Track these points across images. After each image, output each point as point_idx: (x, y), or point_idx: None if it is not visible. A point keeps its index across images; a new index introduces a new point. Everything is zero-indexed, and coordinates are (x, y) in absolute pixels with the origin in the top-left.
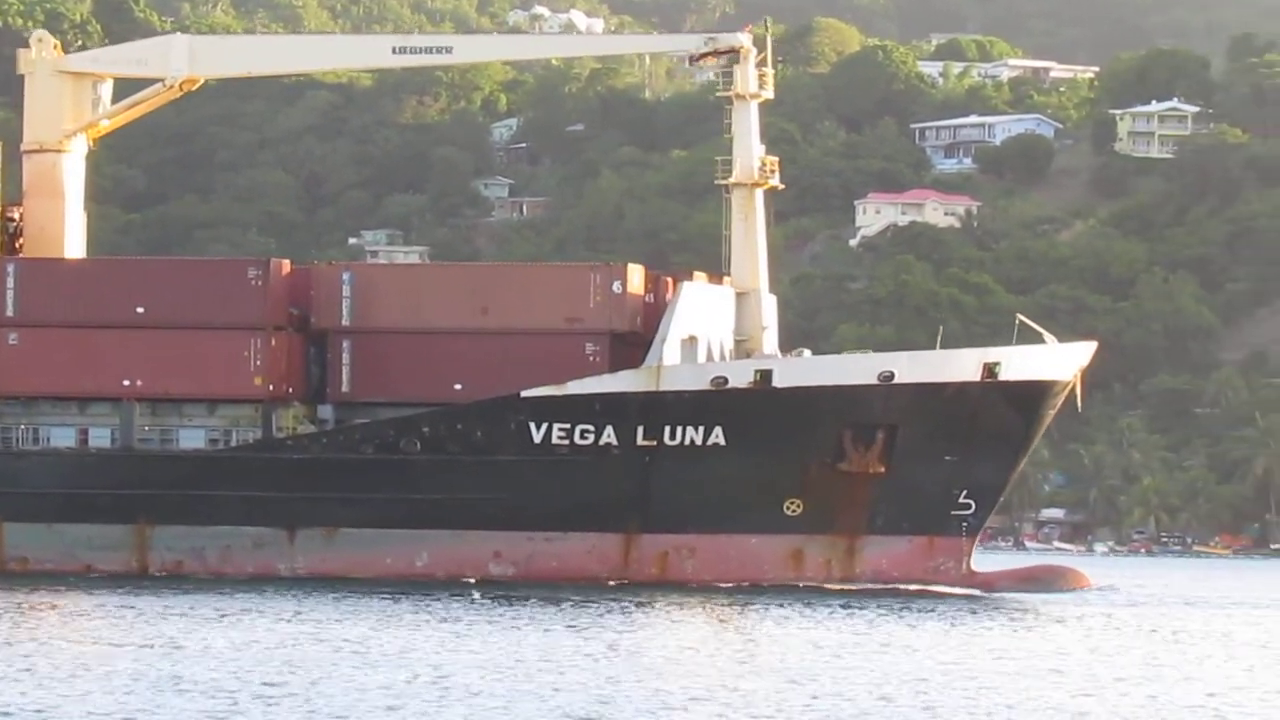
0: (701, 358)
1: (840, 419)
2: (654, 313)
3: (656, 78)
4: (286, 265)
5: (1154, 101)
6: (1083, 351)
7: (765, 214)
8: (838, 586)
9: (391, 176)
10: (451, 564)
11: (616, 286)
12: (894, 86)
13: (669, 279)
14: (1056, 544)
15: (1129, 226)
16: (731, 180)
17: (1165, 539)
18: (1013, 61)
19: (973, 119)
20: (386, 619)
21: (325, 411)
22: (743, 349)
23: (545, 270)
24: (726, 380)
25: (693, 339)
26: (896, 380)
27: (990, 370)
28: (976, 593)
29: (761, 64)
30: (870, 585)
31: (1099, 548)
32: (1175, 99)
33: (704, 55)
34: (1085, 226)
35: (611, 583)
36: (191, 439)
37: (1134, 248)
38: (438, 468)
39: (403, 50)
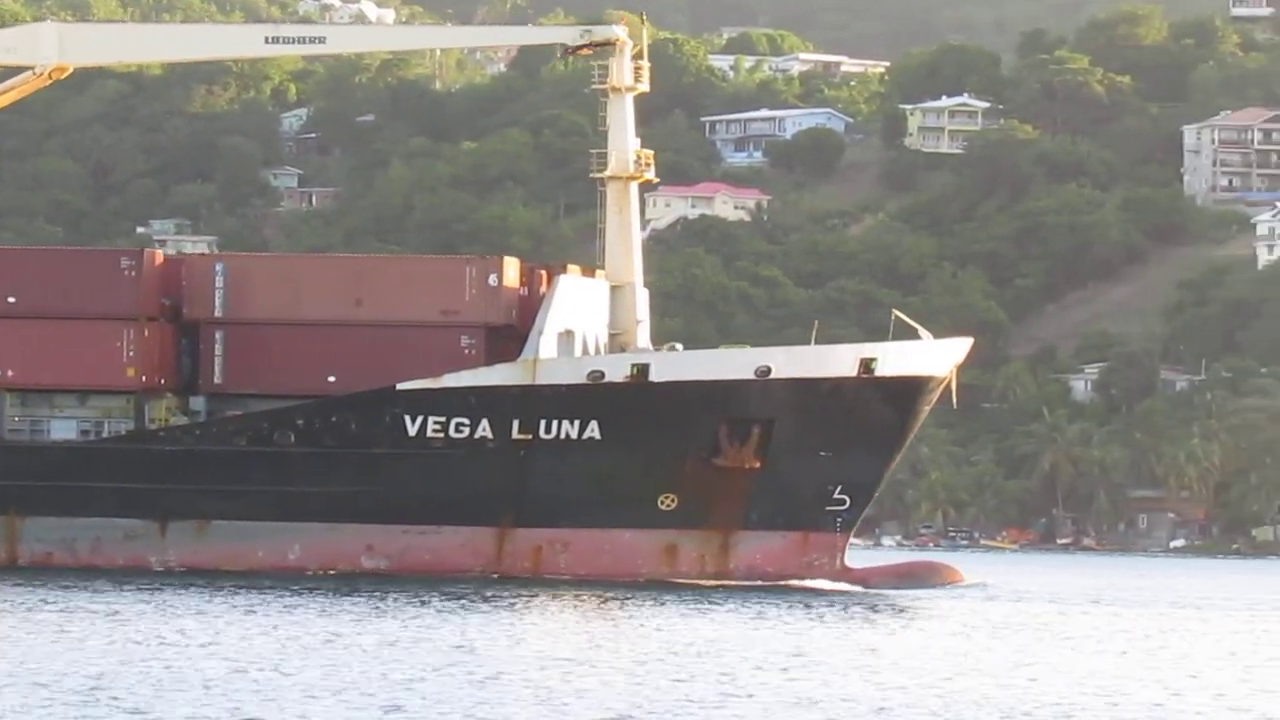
0: (578, 351)
1: (716, 414)
2: (529, 306)
3: (447, 69)
4: (159, 256)
5: (944, 97)
6: (959, 347)
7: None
8: (711, 582)
9: (180, 166)
10: (324, 557)
11: (492, 279)
12: (684, 80)
13: (543, 272)
14: None
15: (918, 221)
16: (607, 173)
17: (953, 533)
18: (803, 56)
19: (763, 113)
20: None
21: (197, 403)
22: (617, 343)
23: (421, 263)
24: (603, 374)
25: (569, 333)
26: (774, 375)
27: (867, 366)
28: (853, 588)
29: (637, 57)
30: (744, 581)
31: (886, 541)
32: (965, 94)
33: (579, 48)
34: (875, 221)
35: (494, 576)
36: (63, 430)
37: (923, 242)
38: (311, 460)
39: (275, 40)
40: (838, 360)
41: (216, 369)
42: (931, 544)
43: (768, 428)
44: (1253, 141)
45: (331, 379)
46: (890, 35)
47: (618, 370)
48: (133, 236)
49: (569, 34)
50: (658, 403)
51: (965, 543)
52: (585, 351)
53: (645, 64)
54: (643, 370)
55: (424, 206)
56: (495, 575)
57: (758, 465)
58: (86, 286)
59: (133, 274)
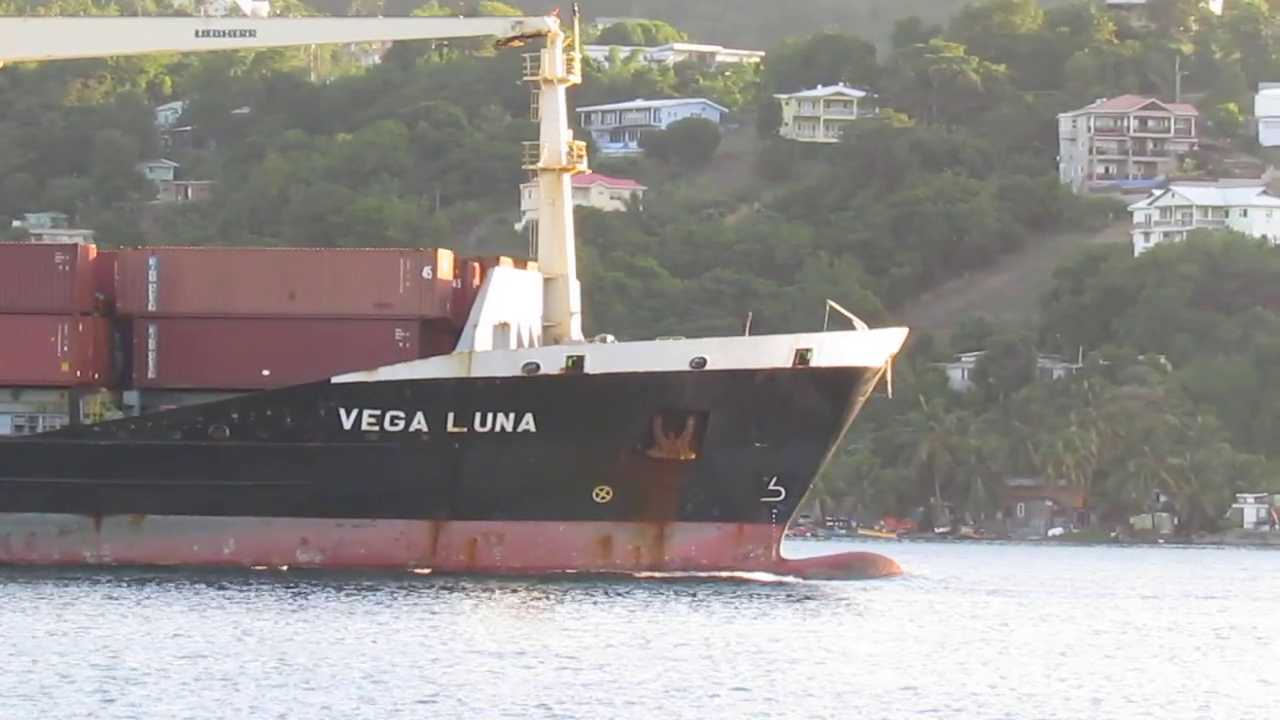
0: (513, 344)
1: (651, 405)
2: (463, 299)
3: (322, 61)
4: (93, 250)
5: (819, 86)
6: (894, 338)
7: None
8: (645, 574)
9: (56, 159)
10: (259, 551)
11: (427, 272)
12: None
13: (476, 264)
14: None
15: (794, 211)
16: (539, 165)
17: (830, 522)
18: (678, 46)
19: (638, 103)
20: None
21: (131, 398)
22: (551, 334)
23: (354, 255)
24: (538, 366)
25: (504, 325)
26: (709, 366)
27: (802, 357)
28: (787, 579)
29: (569, 48)
30: (679, 573)
31: None
32: (840, 84)
33: (510, 39)
34: (750, 211)
35: (422, 571)
36: None
37: (799, 232)
38: (246, 454)
39: (206, 33)
40: (773, 351)
41: (150, 363)
42: (809, 533)
43: (702, 419)
44: (1128, 129)
45: (266, 372)
46: (764, 25)
47: (553, 362)
48: (9, 230)
49: (500, 25)
50: (593, 395)
51: (843, 532)
52: (520, 344)
53: (577, 55)
54: (578, 362)
55: (300, 198)
56: (429, 569)
57: (693, 456)
58: (20, 281)
59: (66, 269)
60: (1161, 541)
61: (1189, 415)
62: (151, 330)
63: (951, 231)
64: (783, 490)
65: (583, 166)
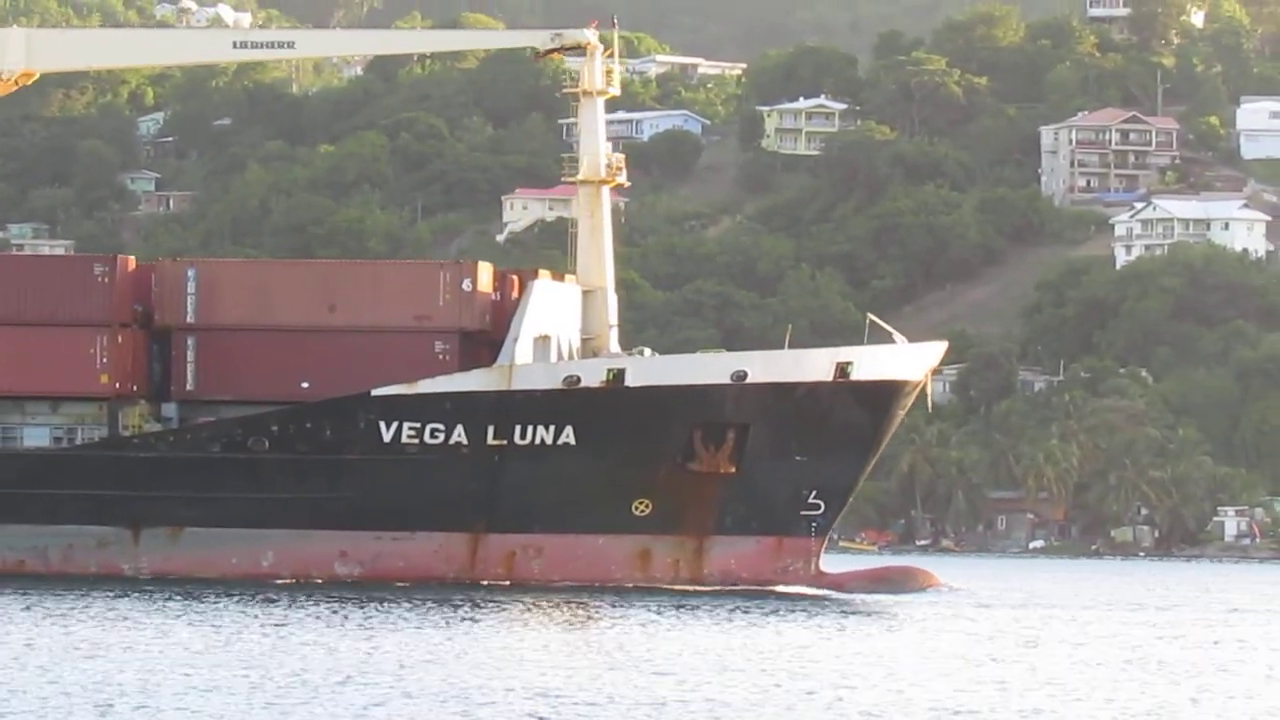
0: (554, 357)
1: (692, 418)
2: (501, 311)
3: (304, 72)
4: (131, 262)
5: (801, 98)
6: (933, 352)
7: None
8: (684, 587)
9: (37, 169)
10: (297, 564)
11: (466, 284)
12: (540, 82)
13: (514, 277)
14: None
15: (776, 223)
16: (579, 178)
17: None
18: (660, 58)
19: (620, 115)
20: None
21: (169, 410)
22: (589, 347)
23: (394, 268)
24: (579, 379)
25: (545, 338)
26: (750, 380)
27: (843, 370)
28: (827, 593)
29: (609, 60)
30: (718, 586)
31: None
32: (822, 96)
33: (550, 51)
34: (732, 223)
35: (467, 582)
36: (35, 437)
37: (781, 244)
38: (285, 467)
39: (243, 45)
40: (813, 365)
41: (188, 375)
42: None
43: (743, 432)
44: (1110, 142)
45: (304, 385)
46: (745, 37)
47: (593, 375)
48: None
49: (540, 38)
50: (633, 408)
51: None
52: (559, 357)
53: (616, 67)
54: (619, 375)
55: (281, 209)
56: (468, 581)
57: (732, 470)
58: (59, 293)
59: (106, 280)
60: (1142, 554)
61: (1170, 428)
62: (190, 342)
63: (933, 244)
64: (822, 504)
65: (621, 179)
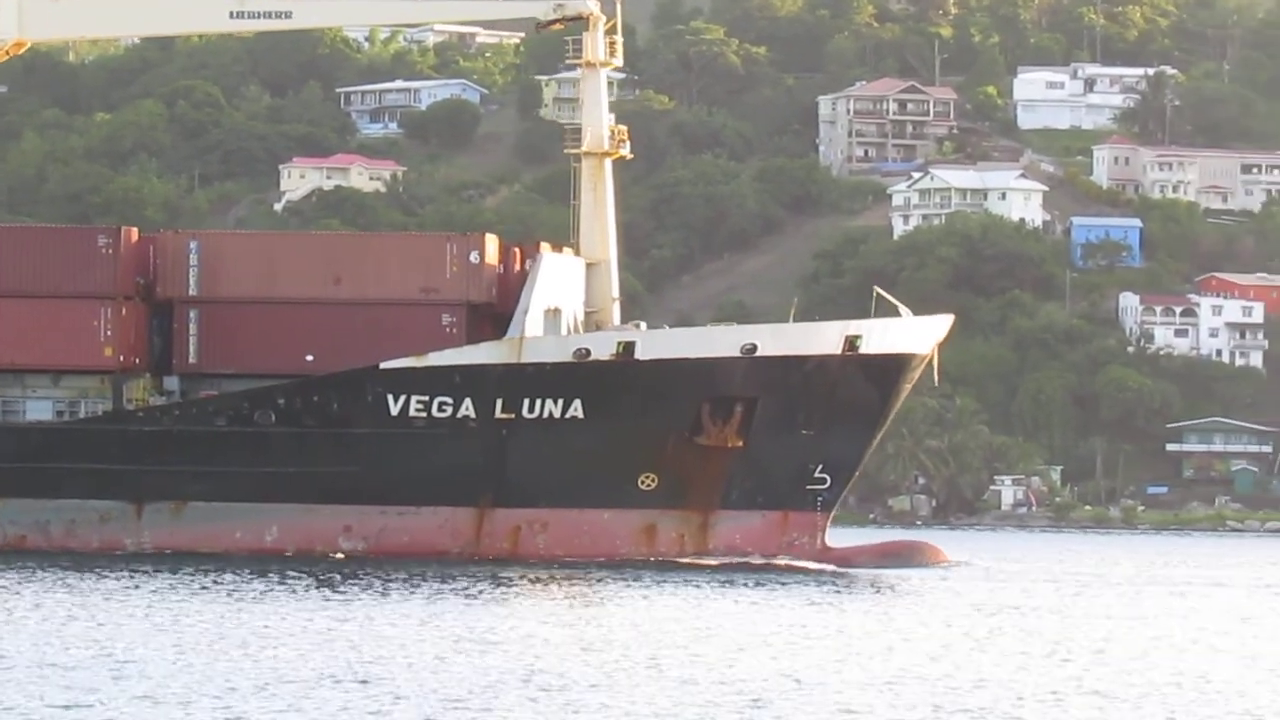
0: (563, 330)
1: (701, 392)
2: (507, 283)
3: (80, 41)
4: (134, 234)
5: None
6: (940, 325)
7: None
8: (689, 561)
9: None
10: (302, 538)
11: (473, 257)
12: (319, 51)
13: (517, 250)
14: None
15: (554, 192)
16: (582, 150)
17: None
18: (439, 27)
19: (398, 84)
20: None
21: (171, 383)
22: (593, 321)
23: (400, 239)
24: (589, 352)
25: (555, 310)
26: (759, 353)
27: (852, 343)
28: (832, 568)
29: (611, 31)
30: (724, 560)
31: None
32: None
33: (551, 22)
34: (510, 192)
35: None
36: (39, 410)
37: (559, 213)
38: (291, 440)
39: (240, 14)
40: (822, 338)
41: (191, 348)
42: None
43: (750, 406)
44: (888, 112)
45: (309, 358)
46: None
47: (604, 348)
48: None
49: (541, 8)
50: (643, 381)
51: None
52: (568, 330)
53: (619, 39)
54: (629, 348)
55: (57, 178)
56: (473, 557)
57: (739, 444)
58: (62, 265)
59: (109, 252)
60: (919, 523)
61: (946, 397)
62: (192, 315)
63: (711, 214)
64: (828, 478)
65: (625, 151)
